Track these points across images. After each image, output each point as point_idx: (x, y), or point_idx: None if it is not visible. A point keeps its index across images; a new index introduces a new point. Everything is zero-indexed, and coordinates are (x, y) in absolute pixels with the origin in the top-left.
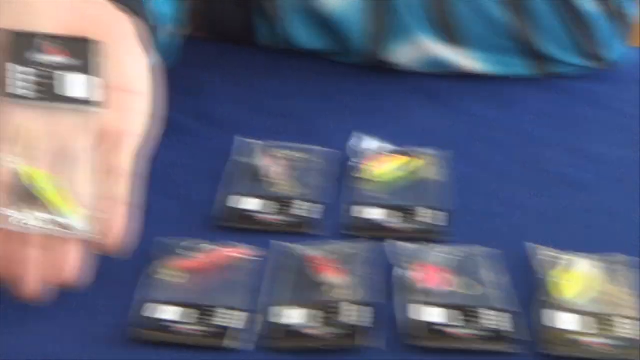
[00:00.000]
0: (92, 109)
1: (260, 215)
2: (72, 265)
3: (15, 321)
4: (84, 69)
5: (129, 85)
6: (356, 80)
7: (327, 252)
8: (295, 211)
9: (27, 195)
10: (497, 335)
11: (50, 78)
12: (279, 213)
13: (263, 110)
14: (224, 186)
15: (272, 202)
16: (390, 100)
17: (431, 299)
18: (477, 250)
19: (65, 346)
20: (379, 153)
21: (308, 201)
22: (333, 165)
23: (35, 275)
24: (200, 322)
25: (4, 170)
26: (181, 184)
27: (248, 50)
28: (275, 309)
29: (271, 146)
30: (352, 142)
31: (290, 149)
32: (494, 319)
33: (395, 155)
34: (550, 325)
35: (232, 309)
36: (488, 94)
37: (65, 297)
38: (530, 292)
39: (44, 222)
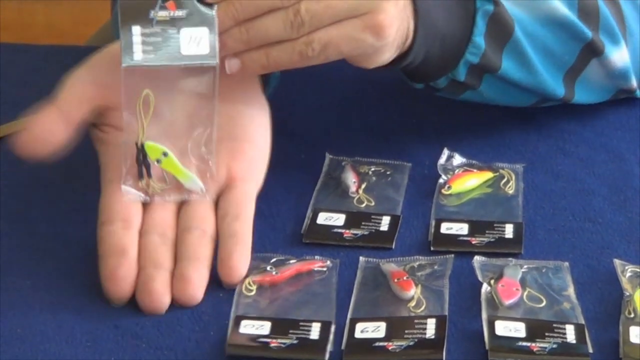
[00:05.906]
0: (213, 63)
1: (348, 231)
2: (196, 284)
3: (114, 342)
4: (203, 21)
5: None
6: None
7: (411, 268)
8: (381, 227)
9: (149, 168)
10: (578, 351)
11: (172, 36)
12: (366, 229)
13: (350, 126)
14: (313, 203)
15: (359, 218)
16: (473, 114)
17: (515, 314)
18: (561, 265)
19: None
20: (466, 169)
21: (394, 217)
22: (419, 181)
23: (162, 290)
24: (290, 336)
25: (128, 144)
26: (271, 200)
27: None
28: (358, 324)
29: (360, 162)
30: (441, 158)
31: (377, 164)
32: (576, 335)
33: (481, 170)
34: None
35: (318, 322)
36: (571, 108)
37: (159, 317)
38: (613, 308)
39: (164, 190)
